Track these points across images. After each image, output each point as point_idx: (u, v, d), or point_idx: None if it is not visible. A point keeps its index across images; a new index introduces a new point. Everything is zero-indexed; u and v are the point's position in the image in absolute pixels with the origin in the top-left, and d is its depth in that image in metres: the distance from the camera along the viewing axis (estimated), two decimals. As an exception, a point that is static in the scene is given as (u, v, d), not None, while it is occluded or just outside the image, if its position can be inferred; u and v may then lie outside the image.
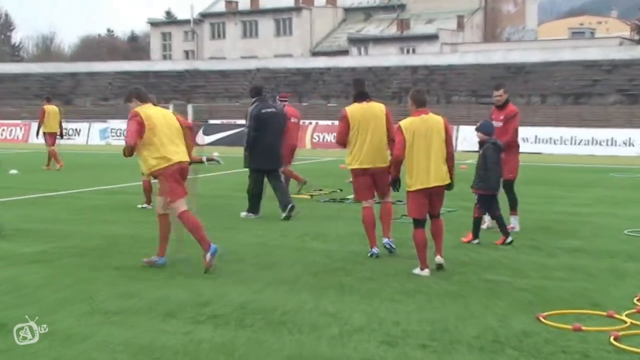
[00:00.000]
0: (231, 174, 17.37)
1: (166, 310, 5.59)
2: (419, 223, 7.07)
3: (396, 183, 7.33)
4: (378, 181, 7.85)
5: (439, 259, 7.13)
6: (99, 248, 7.86)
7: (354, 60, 50.56)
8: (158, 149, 6.98)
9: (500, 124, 9.69)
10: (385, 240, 7.83)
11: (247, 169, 11.02)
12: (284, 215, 10.56)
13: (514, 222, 9.58)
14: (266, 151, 10.74)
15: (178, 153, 7.07)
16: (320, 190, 14.24)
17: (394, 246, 7.80)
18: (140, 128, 6.92)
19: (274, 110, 10.97)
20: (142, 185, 11.61)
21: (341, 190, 14.36)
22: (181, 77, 51.87)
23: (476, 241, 8.59)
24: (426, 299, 6.00)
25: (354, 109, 7.89)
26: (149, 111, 7.08)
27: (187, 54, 65.49)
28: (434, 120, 7.15)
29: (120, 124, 40.45)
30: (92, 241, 8.48)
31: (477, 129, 8.68)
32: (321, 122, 37.25)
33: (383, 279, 6.68)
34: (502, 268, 7.27)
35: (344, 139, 7.87)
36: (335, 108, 49.01)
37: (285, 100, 13.14)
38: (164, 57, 65.45)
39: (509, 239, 8.56)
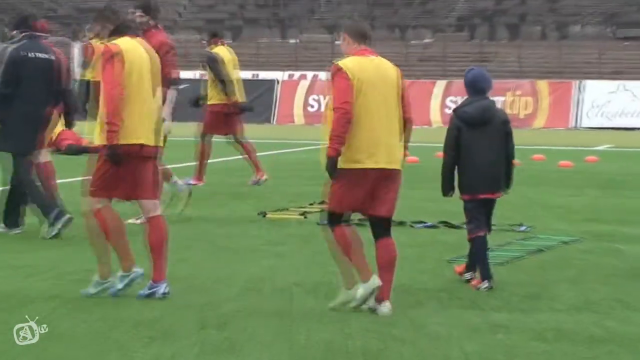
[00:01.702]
0: (180, 168, 17.33)
1: None
2: (336, 219, 7.86)
3: (335, 166, 7.64)
4: (143, 172, 8.42)
5: (385, 306, 7.66)
6: None
7: (380, -38, 50.73)
8: None
9: None
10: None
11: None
12: (51, 231, 11.27)
13: None
14: (25, 122, 11.43)
15: None
16: (314, 203, 14.16)
17: None
18: None
19: (47, 56, 11.58)
20: None
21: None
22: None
23: (473, 278, 9.03)
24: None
25: (127, 46, 8.35)
26: None
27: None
28: (386, 66, 7.94)
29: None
30: None
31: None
32: (323, 75, 36.21)
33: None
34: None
35: (121, 92, 8.18)
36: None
37: (45, 37, 12.55)
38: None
39: (485, 284, 8.90)
